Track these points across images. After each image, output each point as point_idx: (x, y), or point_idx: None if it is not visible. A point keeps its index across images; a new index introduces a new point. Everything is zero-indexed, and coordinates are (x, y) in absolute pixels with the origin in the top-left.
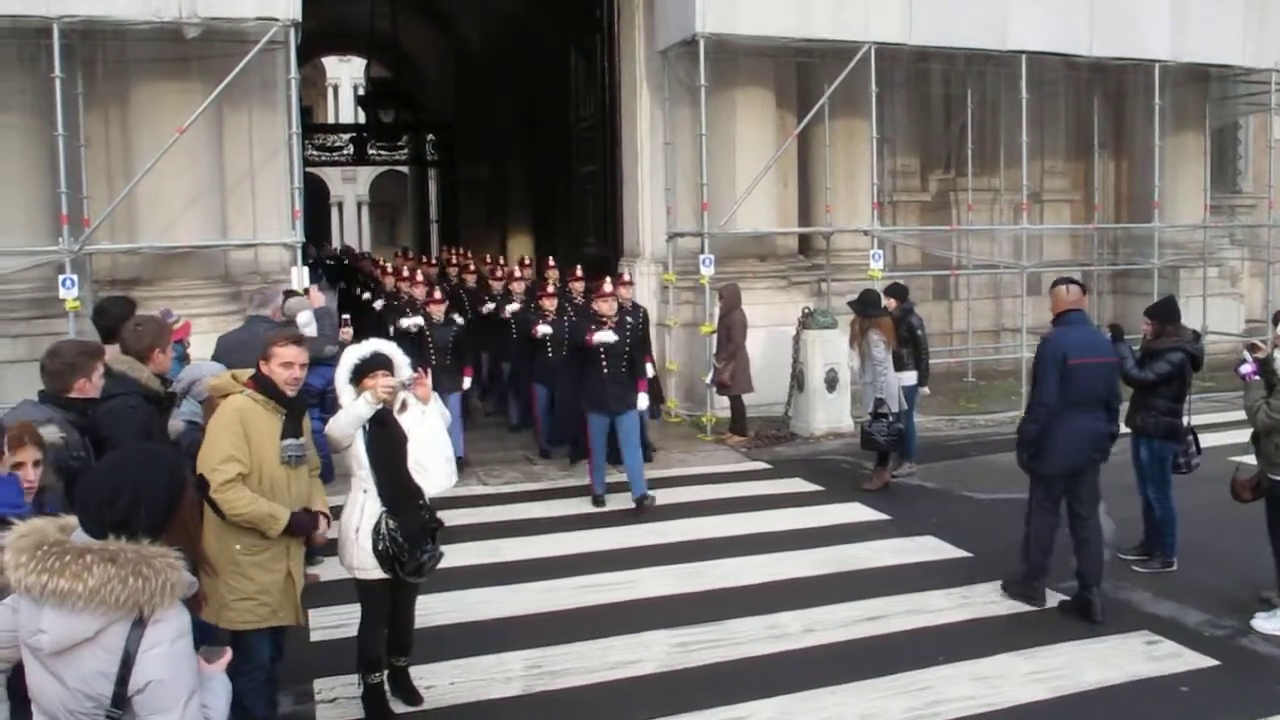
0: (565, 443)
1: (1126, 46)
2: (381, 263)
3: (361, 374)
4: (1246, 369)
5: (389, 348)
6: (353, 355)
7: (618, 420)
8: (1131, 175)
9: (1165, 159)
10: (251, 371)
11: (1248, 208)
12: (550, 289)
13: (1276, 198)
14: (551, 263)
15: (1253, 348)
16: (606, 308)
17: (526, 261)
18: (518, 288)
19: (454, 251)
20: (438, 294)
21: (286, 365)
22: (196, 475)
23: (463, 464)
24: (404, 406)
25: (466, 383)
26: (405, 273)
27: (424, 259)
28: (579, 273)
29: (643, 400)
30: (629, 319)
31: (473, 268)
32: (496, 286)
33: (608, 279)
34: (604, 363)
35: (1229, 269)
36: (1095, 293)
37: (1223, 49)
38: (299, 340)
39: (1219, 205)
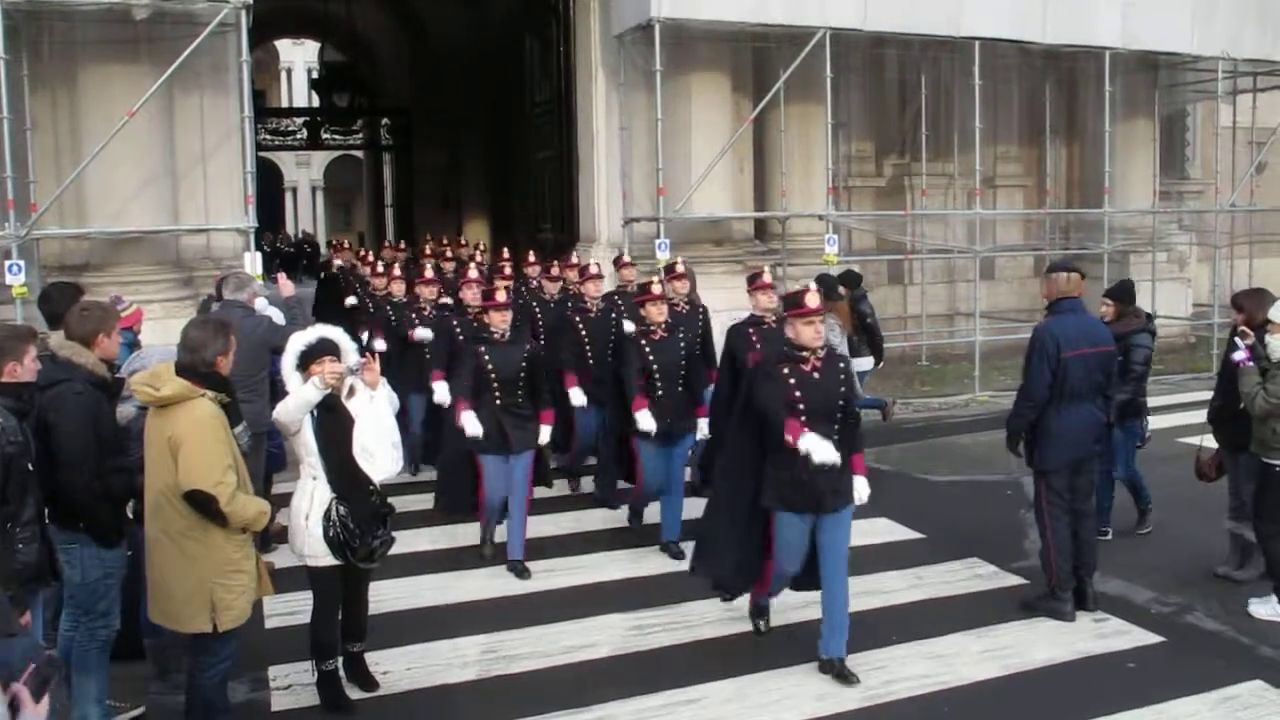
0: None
1: (1078, 33)
2: (365, 255)
3: (308, 360)
4: (1239, 355)
5: (335, 333)
6: (299, 341)
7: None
8: (1083, 161)
9: (1116, 145)
10: (172, 367)
11: (1196, 193)
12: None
13: (1224, 184)
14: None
15: (1243, 334)
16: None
17: (574, 261)
18: (594, 289)
19: (459, 243)
20: (501, 295)
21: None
22: (188, 492)
23: (519, 568)
24: (351, 392)
25: (545, 434)
26: (429, 273)
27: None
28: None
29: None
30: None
31: (508, 269)
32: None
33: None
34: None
35: (1177, 254)
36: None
37: (1171, 36)
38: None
39: (1168, 191)
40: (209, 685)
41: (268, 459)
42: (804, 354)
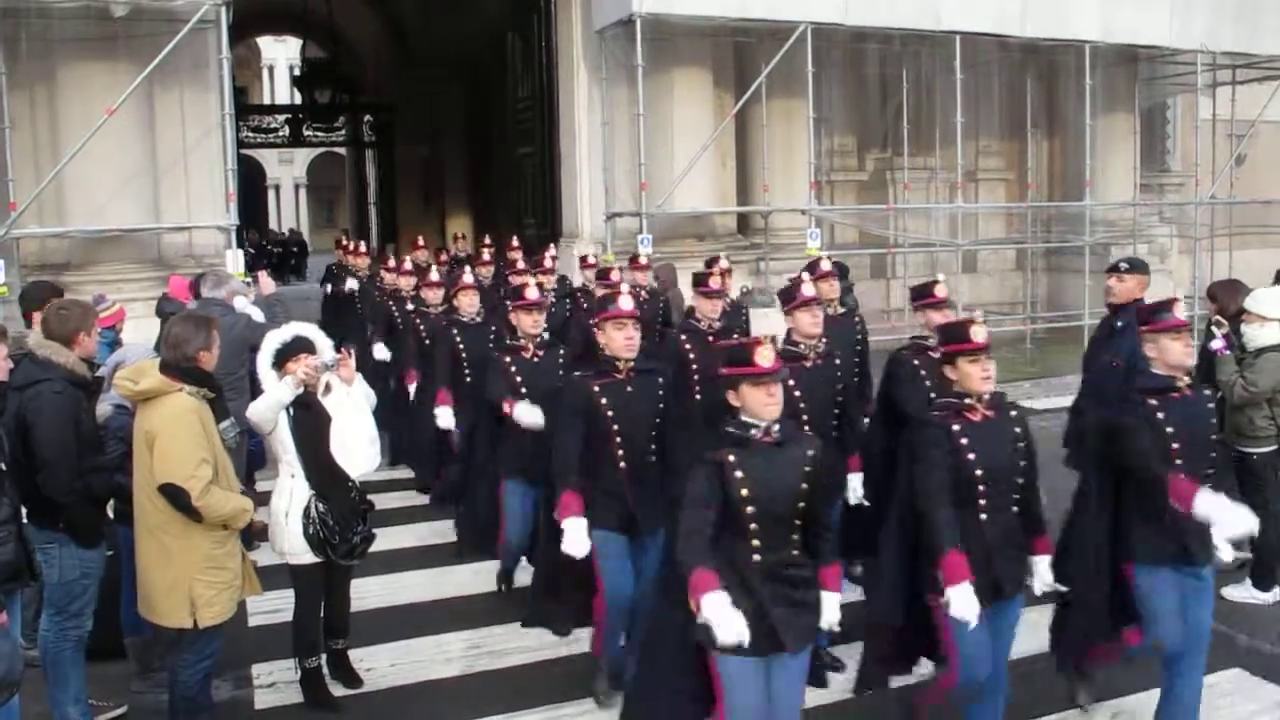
0: None
1: (1057, 27)
2: (400, 264)
3: (284, 358)
4: (1218, 345)
5: (311, 329)
6: (274, 339)
7: None
8: (1064, 154)
9: (1096, 138)
10: (157, 364)
11: (1176, 186)
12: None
13: (1204, 176)
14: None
15: (1218, 324)
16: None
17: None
18: (710, 308)
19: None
20: (767, 357)
21: (215, 349)
22: (162, 485)
23: None
24: (327, 389)
25: (831, 610)
26: (531, 293)
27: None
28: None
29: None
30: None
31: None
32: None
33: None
34: None
35: (1158, 246)
36: (1029, 270)
37: (1150, 30)
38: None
39: (1148, 184)
40: (191, 683)
41: (249, 457)
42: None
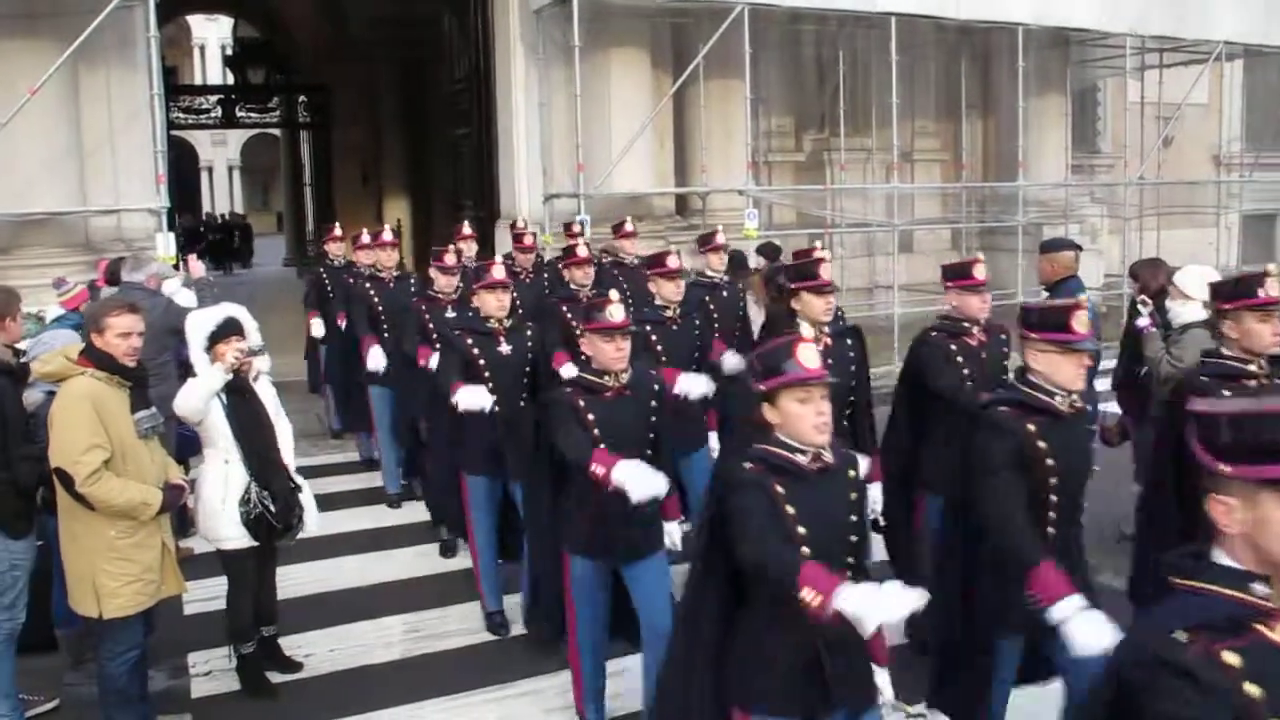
0: None
1: (991, 10)
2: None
3: (216, 340)
4: (1143, 322)
5: (239, 311)
6: (207, 322)
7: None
8: (998, 135)
9: (1029, 120)
10: (80, 349)
11: (1106, 167)
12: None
13: (1133, 157)
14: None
15: (1143, 302)
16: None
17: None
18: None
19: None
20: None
21: (124, 335)
22: (54, 470)
23: None
24: (256, 375)
25: None
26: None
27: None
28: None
29: None
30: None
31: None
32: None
33: None
34: None
35: (1089, 226)
36: (964, 249)
37: (1081, 13)
38: (134, 308)
39: (1080, 164)
40: (118, 675)
41: (182, 443)
42: None
